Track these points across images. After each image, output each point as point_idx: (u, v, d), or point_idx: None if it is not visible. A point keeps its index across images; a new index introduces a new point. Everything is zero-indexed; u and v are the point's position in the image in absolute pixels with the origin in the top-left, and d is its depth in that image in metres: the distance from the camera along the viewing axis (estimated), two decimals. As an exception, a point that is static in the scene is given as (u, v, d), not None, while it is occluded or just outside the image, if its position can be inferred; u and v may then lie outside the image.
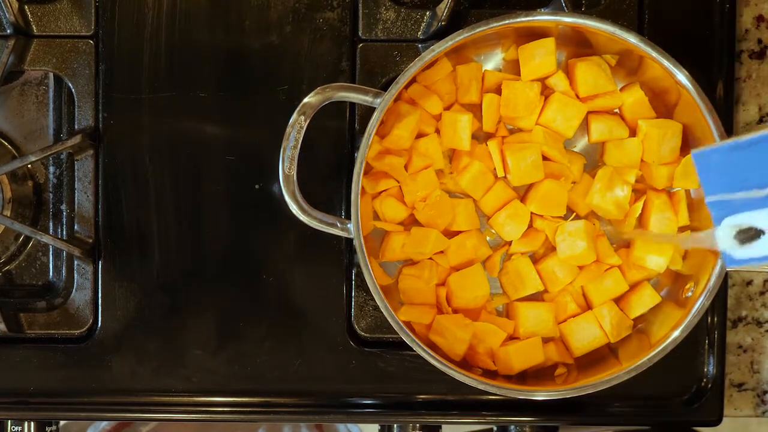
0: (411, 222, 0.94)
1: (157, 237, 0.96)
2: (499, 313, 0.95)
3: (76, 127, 0.96)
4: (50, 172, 0.98)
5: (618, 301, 0.94)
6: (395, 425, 0.99)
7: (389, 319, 0.88)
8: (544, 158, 0.93)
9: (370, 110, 0.89)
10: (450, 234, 0.93)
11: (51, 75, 0.97)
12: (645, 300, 0.93)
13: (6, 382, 0.96)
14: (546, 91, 0.94)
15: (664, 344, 0.89)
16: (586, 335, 0.94)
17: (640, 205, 0.93)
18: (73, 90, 0.95)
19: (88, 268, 0.96)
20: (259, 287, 0.96)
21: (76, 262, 0.96)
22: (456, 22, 0.94)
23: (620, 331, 0.94)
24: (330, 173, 0.96)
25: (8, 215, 0.96)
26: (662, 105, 0.93)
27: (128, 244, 0.96)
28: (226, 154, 0.96)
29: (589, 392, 0.89)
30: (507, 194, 0.94)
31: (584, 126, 0.94)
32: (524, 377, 0.93)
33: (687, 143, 0.93)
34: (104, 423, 1.10)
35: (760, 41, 1.02)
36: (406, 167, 0.93)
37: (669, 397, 0.98)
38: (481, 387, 0.89)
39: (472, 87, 0.93)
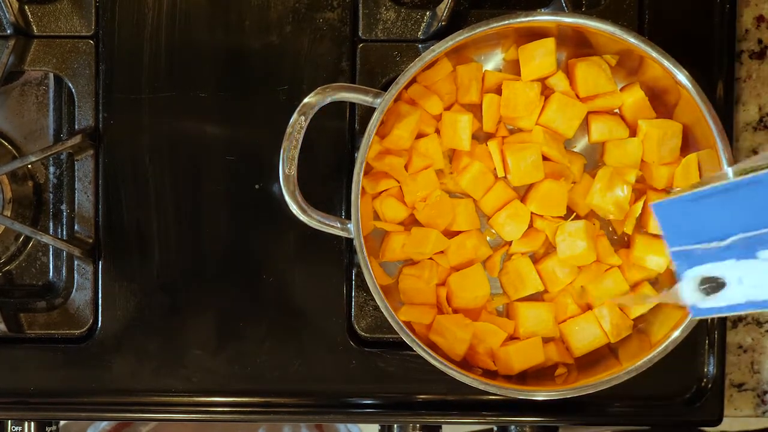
0: (411, 222, 0.94)
1: (157, 237, 0.96)
2: (499, 313, 0.95)
3: (76, 127, 0.96)
4: (50, 172, 0.98)
5: (618, 301, 0.94)
6: (395, 425, 0.99)
7: (389, 319, 0.88)
8: (544, 158, 0.93)
9: (370, 110, 0.89)
10: (450, 234, 0.93)
11: (51, 75, 0.97)
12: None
13: (6, 382, 0.96)
14: (546, 91, 0.94)
15: (664, 344, 0.89)
16: (586, 335, 0.94)
17: (640, 205, 0.93)
18: (73, 90, 0.96)
19: (88, 268, 0.96)
20: (259, 287, 0.96)
21: (76, 262, 0.96)
22: (456, 22, 0.94)
23: (620, 331, 0.94)
24: (330, 173, 0.96)
25: (8, 215, 0.96)
26: (662, 105, 0.93)
27: (128, 244, 0.96)
28: (226, 154, 0.96)
29: (589, 392, 0.89)
30: (507, 194, 0.94)
31: (584, 126, 0.94)
32: (524, 377, 0.93)
33: (687, 143, 0.93)
34: (104, 423, 1.10)
35: (760, 41, 1.02)
36: (406, 167, 0.93)
37: (669, 397, 0.98)
38: (481, 387, 0.89)
39: (472, 87, 0.93)
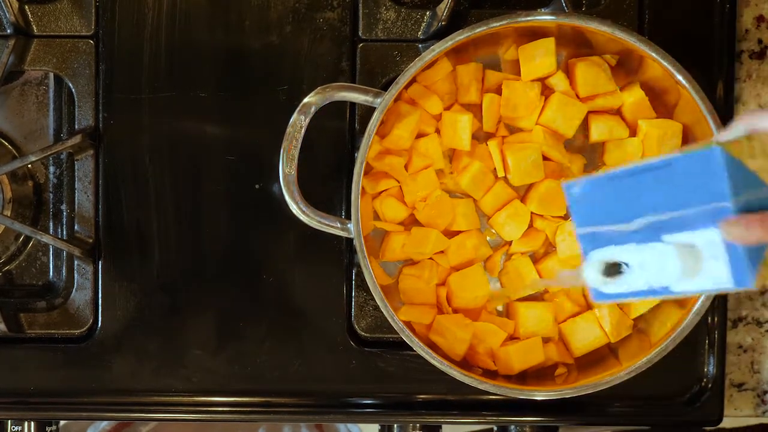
0: (411, 222, 0.94)
1: (157, 237, 0.96)
2: (499, 313, 0.95)
3: (76, 127, 0.96)
4: (50, 172, 0.98)
5: (618, 301, 0.94)
6: (395, 425, 0.99)
7: (389, 319, 0.88)
8: (544, 158, 0.93)
9: (370, 110, 0.89)
10: (450, 234, 0.93)
11: (51, 75, 0.97)
12: (645, 300, 0.93)
13: (6, 382, 0.96)
14: (546, 91, 0.94)
15: (664, 344, 0.89)
16: (586, 335, 0.94)
17: (640, 205, 0.93)
18: (73, 90, 0.95)
19: (88, 268, 0.96)
20: (259, 287, 0.96)
21: (76, 262, 0.96)
22: (456, 22, 0.94)
23: (620, 331, 0.94)
24: (330, 173, 0.96)
25: (8, 215, 0.96)
26: (662, 105, 0.93)
27: (128, 244, 0.96)
28: (226, 154, 0.96)
29: (589, 392, 0.89)
30: (507, 194, 0.94)
31: (584, 126, 0.94)
32: (524, 377, 0.93)
33: (687, 143, 0.93)
34: (104, 423, 1.10)
35: (760, 41, 1.02)
36: (406, 167, 0.93)
37: (669, 397, 0.98)
38: (481, 387, 0.89)
39: (472, 87, 0.93)
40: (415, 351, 0.88)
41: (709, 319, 0.97)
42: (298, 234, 0.95)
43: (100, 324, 0.96)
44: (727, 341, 1.00)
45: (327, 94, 0.88)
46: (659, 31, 0.96)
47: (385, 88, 0.91)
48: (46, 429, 0.98)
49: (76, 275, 0.96)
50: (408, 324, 0.90)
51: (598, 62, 0.93)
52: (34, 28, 0.95)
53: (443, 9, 0.93)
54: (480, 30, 0.88)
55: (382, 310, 0.88)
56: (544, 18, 0.91)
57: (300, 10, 0.96)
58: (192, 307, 0.97)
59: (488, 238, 0.95)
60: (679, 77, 0.88)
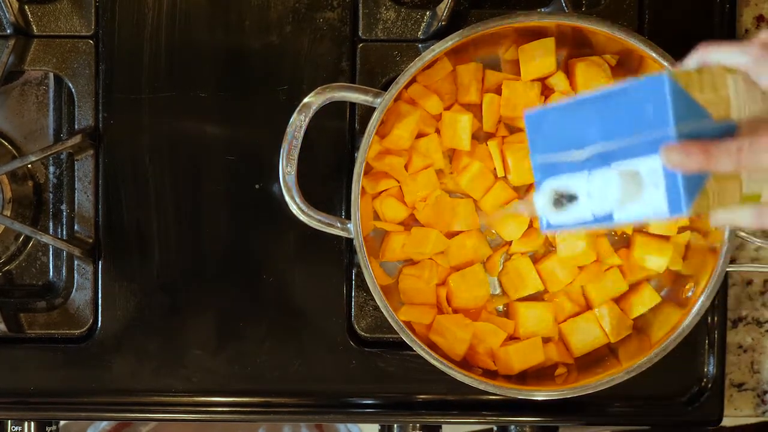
0: (411, 222, 0.94)
1: (157, 237, 0.96)
2: (499, 313, 0.95)
3: (76, 127, 0.96)
4: (50, 172, 0.98)
5: (618, 301, 0.94)
6: (395, 425, 0.99)
7: (389, 319, 0.88)
8: (544, 158, 0.93)
9: (370, 110, 0.89)
10: (450, 234, 0.93)
11: (51, 75, 0.97)
12: (645, 300, 0.94)
13: (6, 382, 0.96)
14: (546, 91, 0.94)
15: (664, 344, 0.89)
16: (586, 335, 0.94)
17: (640, 205, 0.93)
18: (73, 90, 0.95)
19: (88, 268, 0.96)
20: (259, 287, 0.96)
21: (76, 262, 0.96)
22: (456, 22, 0.94)
23: (620, 331, 0.94)
24: (330, 173, 0.96)
25: (8, 215, 0.96)
26: (662, 105, 0.93)
27: (128, 244, 0.96)
28: (226, 154, 0.96)
29: (589, 392, 0.89)
30: (507, 194, 0.94)
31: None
32: (524, 377, 0.93)
33: (687, 143, 0.93)
34: (104, 423, 1.10)
35: (760, 41, 1.02)
36: (406, 167, 0.93)
37: (669, 397, 0.98)
38: (481, 387, 0.89)
39: (472, 87, 0.93)
40: (415, 351, 0.88)
41: (709, 319, 0.97)
42: (298, 234, 0.95)
43: (100, 324, 0.96)
44: (727, 341, 1.00)
45: (327, 94, 0.88)
46: (659, 31, 0.96)
47: (385, 88, 0.91)
48: (46, 429, 0.98)
49: (76, 275, 0.96)
50: (408, 324, 0.90)
51: (598, 62, 0.93)
52: (34, 28, 0.95)
53: (443, 9, 0.93)
54: (480, 30, 0.88)
55: (382, 310, 0.88)
56: (544, 18, 0.91)
57: (300, 10, 0.96)
58: (192, 307, 0.97)
59: (488, 238, 0.95)
60: (679, 77, 0.88)
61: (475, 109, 0.94)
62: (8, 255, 0.99)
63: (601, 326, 0.93)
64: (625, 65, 0.93)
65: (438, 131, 0.93)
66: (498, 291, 0.95)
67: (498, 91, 0.93)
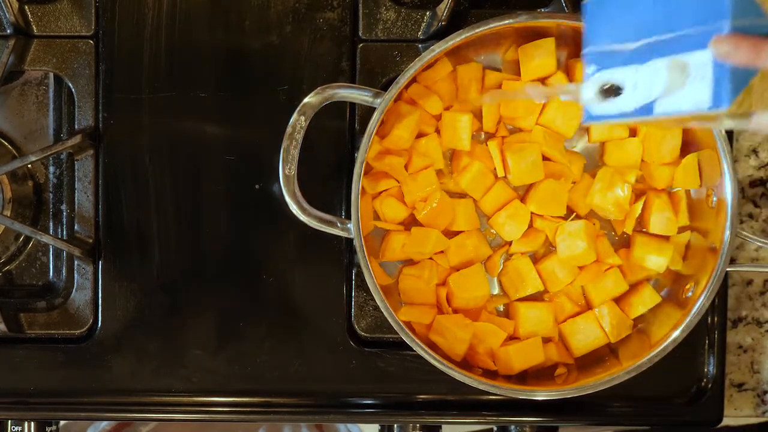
0: (411, 222, 0.94)
1: (157, 237, 0.96)
2: (499, 313, 0.95)
3: (76, 127, 0.96)
4: (50, 172, 0.98)
5: (618, 301, 0.94)
6: (395, 425, 0.99)
7: (389, 319, 0.88)
8: (544, 158, 0.93)
9: (370, 110, 0.89)
10: (450, 234, 0.93)
11: (51, 75, 0.97)
12: (645, 300, 0.94)
13: (6, 382, 0.96)
14: (546, 91, 0.94)
15: (664, 344, 0.90)
16: (586, 335, 0.94)
17: (640, 205, 0.93)
18: (73, 90, 0.95)
19: (88, 268, 0.96)
20: (259, 287, 0.96)
21: (76, 262, 0.96)
22: (456, 22, 0.94)
23: (620, 331, 0.94)
24: (330, 173, 0.96)
25: (8, 215, 0.96)
26: (662, 105, 0.93)
27: (128, 244, 0.96)
28: (226, 154, 0.96)
29: (589, 392, 0.89)
30: (507, 194, 0.94)
31: (584, 126, 0.94)
32: (524, 377, 0.93)
33: (687, 143, 0.93)
34: (104, 423, 1.10)
35: (760, 41, 1.02)
36: (406, 167, 0.93)
37: (669, 397, 0.98)
38: (481, 387, 0.89)
39: (472, 87, 0.93)
40: (415, 351, 0.88)
41: (709, 319, 0.97)
42: (298, 234, 0.95)
43: (100, 324, 0.96)
44: (727, 341, 1.00)
45: (327, 94, 0.88)
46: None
47: (385, 88, 0.91)
48: (46, 429, 0.98)
49: (76, 275, 0.96)
50: (408, 324, 0.90)
51: (598, 62, 0.93)
52: (34, 28, 0.95)
53: (443, 9, 0.93)
54: (480, 30, 0.88)
55: (382, 310, 0.88)
56: (544, 18, 0.91)
57: (300, 10, 0.96)
58: (192, 307, 0.97)
59: (488, 238, 0.95)
60: (679, 77, 0.88)
61: (475, 109, 0.94)
62: (8, 255, 0.99)
63: (601, 326, 0.93)
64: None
65: (438, 131, 0.93)
66: (498, 291, 0.96)
67: (498, 91, 0.94)
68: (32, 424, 0.98)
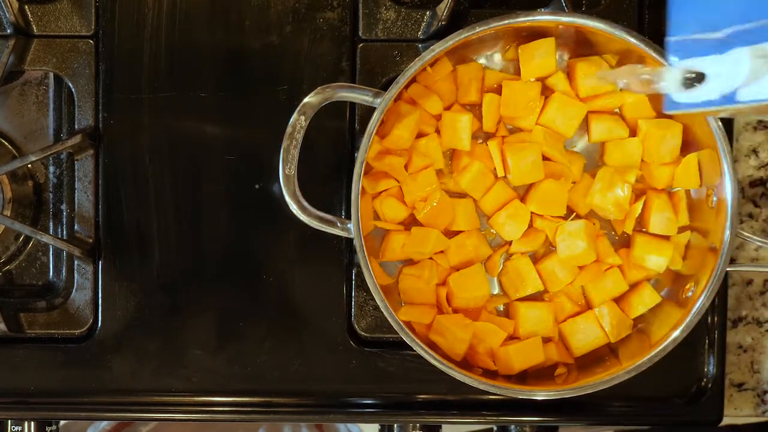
0: (411, 222, 0.94)
1: (157, 237, 0.96)
2: (499, 313, 0.95)
3: (76, 127, 0.96)
4: (50, 172, 0.98)
5: (618, 301, 0.94)
6: (395, 425, 0.99)
7: (389, 319, 0.88)
8: (544, 158, 0.93)
9: (370, 110, 0.89)
10: (450, 234, 0.93)
11: (51, 75, 0.97)
12: (645, 300, 0.94)
13: (6, 382, 0.96)
14: (546, 91, 0.94)
15: (664, 344, 0.89)
16: (586, 335, 0.94)
17: (640, 204, 0.93)
18: (73, 90, 0.96)
19: (88, 268, 0.96)
20: (259, 287, 0.96)
21: (76, 262, 0.96)
22: (456, 22, 0.94)
23: (620, 331, 0.94)
24: (330, 173, 0.96)
25: (8, 215, 0.96)
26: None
27: (128, 244, 0.96)
28: (226, 154, 0.96)
29: (589, 392, 0.89)
30: (507, 194, 0.94)
31: (584, 126, 0.94)
32: (524, 377, 0.93)
33: (687, 143, 0.93)
34: (104, 423, 1.10)
35: (760, 41, 1.02)
36: (406, 167, 0.93)
37: (669, 397, 0.98)
38: (481, 387, 0.89)
39: (472, 87, 0.93)
40: (415, 351, 0.88)
41: (709, 319, 0.97)
42: (298, 234, 0.95)
43: (100, 324, 0.96)
44: (727, 341, 1.00)
45: (327, 94, 0.88)
46: (659, 31, 0.95)
47: (385, 88, 0.91)
48: (46, 429, 0.98)
49: (76, 275, 0.96)
50: (408, 324, 0.90)
51: (598, 62, 0.93)
52: (34, 28, 0.95)
53: (443, 9, 0.93)
54: (480, 30, 0.88)
55: (382, 310, 0.88)
56: (544, 18, 0.91)
57: (300, 10, 0.96)
58: (192, 307, 0.97)
59: (488, 238, 0.95)
60: (679, 77, 0.88)
61: (475, 109, 0.94)
62: (8, 255, 0.99)
63: (601, 326, 0.93)
64: (625, 65, 0.93)
65: (438, 131, 0.93)
66: (498, 291, 0.96)
67: (498, 91, 0.93)
68: (32, 424, 0.98)
